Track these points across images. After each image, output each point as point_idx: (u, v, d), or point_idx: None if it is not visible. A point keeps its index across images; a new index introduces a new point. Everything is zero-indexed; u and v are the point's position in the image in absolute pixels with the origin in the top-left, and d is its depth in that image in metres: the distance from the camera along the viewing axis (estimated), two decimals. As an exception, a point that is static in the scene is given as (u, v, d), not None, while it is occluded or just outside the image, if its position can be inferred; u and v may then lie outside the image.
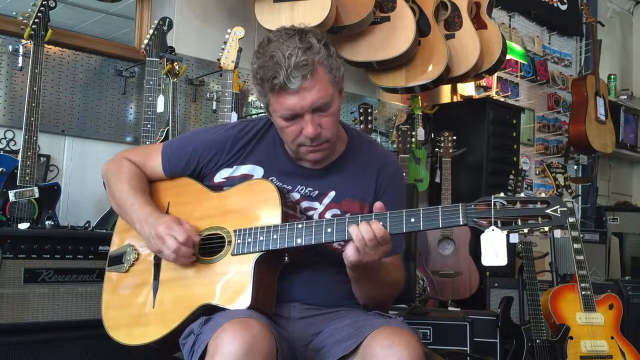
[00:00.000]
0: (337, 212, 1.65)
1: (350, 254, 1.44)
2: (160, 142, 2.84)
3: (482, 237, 1.34)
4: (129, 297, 1.68)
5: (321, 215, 1.65)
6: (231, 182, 1.67)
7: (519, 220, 1.34)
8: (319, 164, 1.66)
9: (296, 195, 1.66)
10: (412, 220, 1.41)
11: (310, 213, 1.65)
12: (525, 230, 1.33)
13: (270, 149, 1.68)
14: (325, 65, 1.52)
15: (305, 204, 1.66)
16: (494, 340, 2.87)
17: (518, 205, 1.35)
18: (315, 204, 1.66)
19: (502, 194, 1.37)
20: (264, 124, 1.71)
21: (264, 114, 1.82)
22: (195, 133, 1.79)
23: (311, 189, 1.66)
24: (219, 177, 1.69)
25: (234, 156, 1.69)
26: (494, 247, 1.33)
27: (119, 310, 1.68)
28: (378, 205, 1.47)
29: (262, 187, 1.60)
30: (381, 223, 1.42)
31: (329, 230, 1.47)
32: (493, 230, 1.33)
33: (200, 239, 1.59)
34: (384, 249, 1.44)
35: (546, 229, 1.32)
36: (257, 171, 1.67)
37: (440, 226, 1.39)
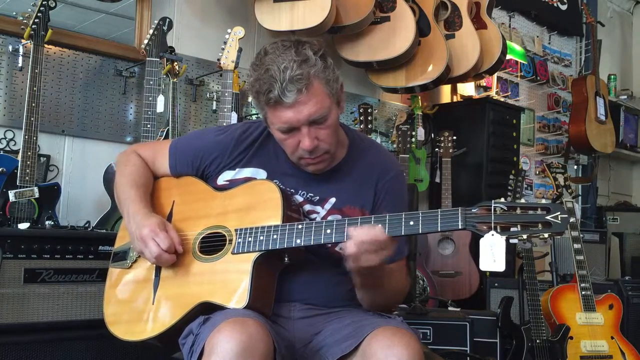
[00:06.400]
0: (339, 217, 1.64)
1: (349, 253, 1.43)
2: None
3: (481, 241, 1.33)
4: (130, 293, 1.68)
5: (323, 219, 1.64)
6: (234, 184, 1.67)
7: (519, 226, 1.33)
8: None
9: (299, 198, 1.66)
10: (411, 223, 1.41)
11: (312, 216, 1.65)
12: (525, 236, 1.33)
13: (273, 152, 1.69)
14: (321, 78, 1.50)
15: (307, 207, 1.66)
16: (494, 340, 2.86)
17: (518, 211, 1.34)
18: (318, 208, 1.66)
19: (502, 199, 1.36)
20: (267, 127, 1.72)
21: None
22: (201, 133, 1.80)
23: (312, 195, 1.66)
24: (222, 180, 1.70)
25: (236, 158, 1.69)
26: (493, 252, 1.32)
27: (120, 305, 1.69)
28: None
29: (265, 188, 1.61)
30: (380, 225, 1.42)
31: (329, 231, 1.48)
32: (492, 235, 1.33)
33: (182, 249, 1.59)
34: (384, 254, 1.43)
35: (546, 235, 1.32)
36: (260, 174, 1.68)
37: (439, 230, 1.39)
